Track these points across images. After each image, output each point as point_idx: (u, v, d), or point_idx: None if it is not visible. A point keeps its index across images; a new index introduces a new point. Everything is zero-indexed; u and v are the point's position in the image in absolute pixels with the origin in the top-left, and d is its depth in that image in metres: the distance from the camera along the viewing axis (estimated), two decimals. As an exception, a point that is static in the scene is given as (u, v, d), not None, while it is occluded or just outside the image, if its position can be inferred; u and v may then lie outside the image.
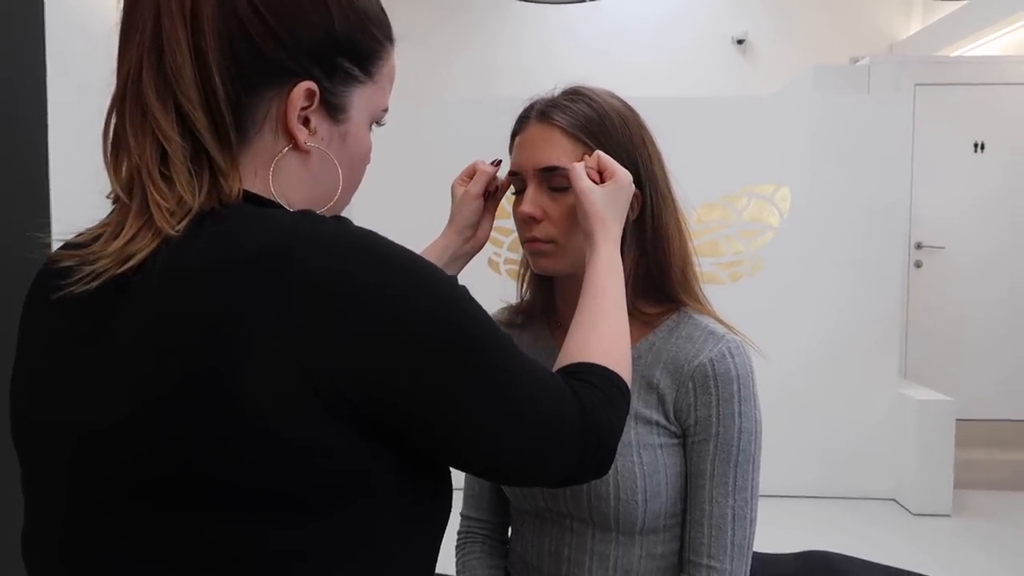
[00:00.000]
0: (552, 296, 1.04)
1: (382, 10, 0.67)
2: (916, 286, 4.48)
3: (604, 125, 0.91)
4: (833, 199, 3.61)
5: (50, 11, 1.79)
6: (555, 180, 0.91)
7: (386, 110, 0.70)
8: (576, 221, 0.90)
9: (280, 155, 0.61)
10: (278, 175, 0.61)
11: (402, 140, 3.39)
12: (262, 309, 0.51)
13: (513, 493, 1.00)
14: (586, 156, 0.89)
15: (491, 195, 0.99)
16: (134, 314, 0.55)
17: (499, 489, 1.07)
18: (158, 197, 0.55)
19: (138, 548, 0.53)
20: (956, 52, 4.96)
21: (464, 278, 0.77)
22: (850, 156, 3.61)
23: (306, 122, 0.62)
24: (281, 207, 0.61)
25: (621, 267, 0.83)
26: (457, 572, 1.06)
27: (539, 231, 0.92)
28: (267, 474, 0.52)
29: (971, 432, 3.90)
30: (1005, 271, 4.42)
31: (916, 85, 4.40)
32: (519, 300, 1.08)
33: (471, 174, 0.99)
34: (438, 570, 0.68)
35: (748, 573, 0.90)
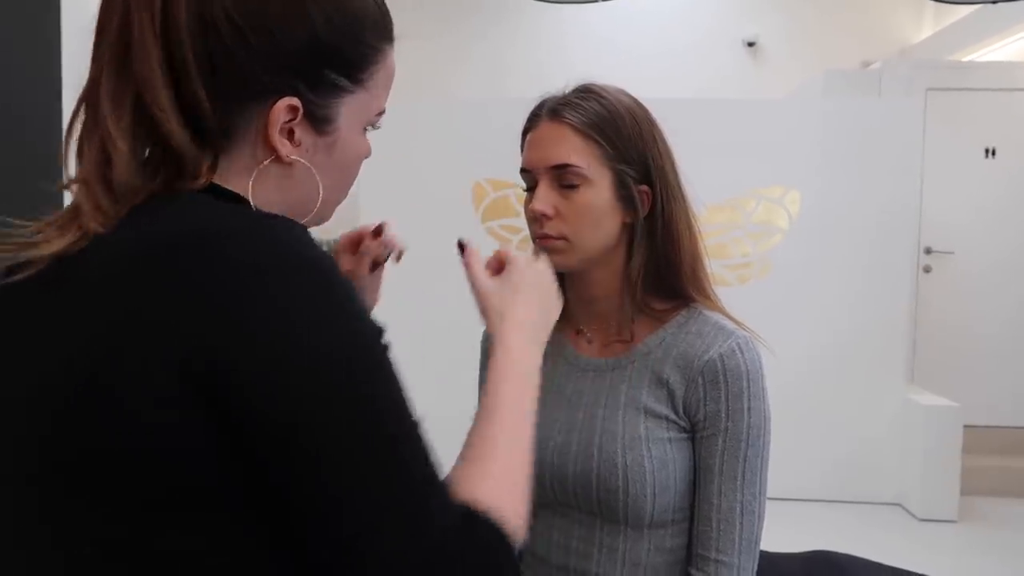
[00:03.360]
0: (564, 292, 1.04)
1: (380, 9, 0.64)
2: (925, 291, 4.46)
3: (615, 123, 0.92)
4: (843, 203, 3.61)
5: (66, 18, 1.79)
6: (566, 178, 0.92)
7: (381, 113, 0.67)
8: (588, 217, 0.91)
9: (262, 166, 0.60)
10: (259, 182, 0.60)
11: (412, 138, 3.40)
12: (151, 308, 0.50)
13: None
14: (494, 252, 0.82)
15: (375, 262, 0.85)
16: (52, 311, 0.55)
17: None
18: (98, 198, 0.55)
19: (34, 539, 0.54)
20: (968, 57, 4.94)
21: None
22: (860, 160, 3.61)
23: (290, 134, 0.60)
24: (244, 203, 0.60)
25: (528, 361, 0.72)
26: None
27: (550, 228, 0.93)
28: (146, 476, 0.50)
29: (978, 438, 3.88)
30: (1014, 277, 4.40)
31: (927, 90, 4.39)
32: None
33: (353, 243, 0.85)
34: None
35: (756, 568, 0.91)
